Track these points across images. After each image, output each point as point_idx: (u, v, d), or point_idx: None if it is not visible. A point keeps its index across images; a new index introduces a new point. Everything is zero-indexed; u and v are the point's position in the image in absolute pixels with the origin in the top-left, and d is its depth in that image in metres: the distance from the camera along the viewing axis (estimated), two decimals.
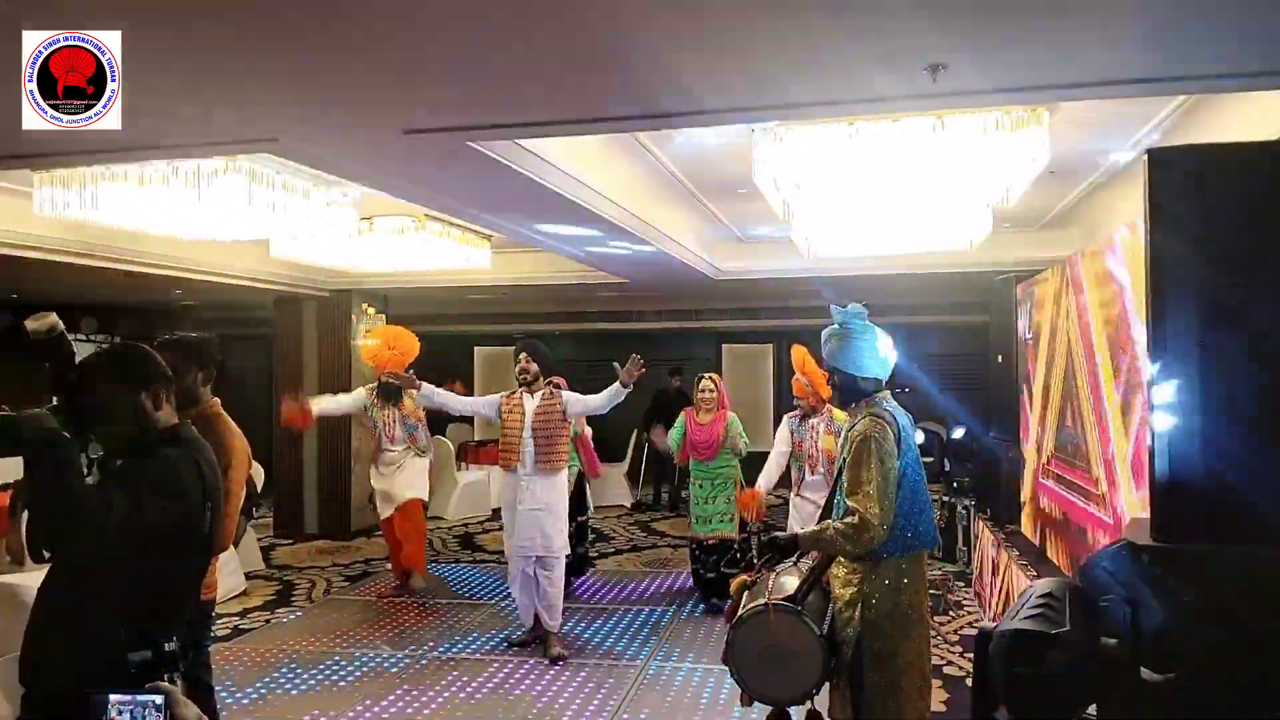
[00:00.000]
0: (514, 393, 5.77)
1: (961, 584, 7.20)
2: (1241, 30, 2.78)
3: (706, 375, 6.89)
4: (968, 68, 2.95)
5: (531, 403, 5.69)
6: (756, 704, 3.19)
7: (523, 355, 5.76)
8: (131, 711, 1.47)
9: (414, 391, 5.95)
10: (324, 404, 6.84)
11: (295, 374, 9.91)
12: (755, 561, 3.83)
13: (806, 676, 2.98)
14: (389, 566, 8.13)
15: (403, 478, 7.25)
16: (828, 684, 3.12)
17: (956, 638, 6.00)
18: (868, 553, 3.00)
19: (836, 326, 3.26)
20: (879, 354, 3.21)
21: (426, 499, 7.54)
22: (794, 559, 3.41)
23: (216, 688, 3.67)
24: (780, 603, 3.01)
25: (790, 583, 3.19)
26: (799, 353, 6.18)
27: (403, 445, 7.25)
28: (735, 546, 6.66)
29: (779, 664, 2.99)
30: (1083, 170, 5.78)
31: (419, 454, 7.35)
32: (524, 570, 5.69)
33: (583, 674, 5.43)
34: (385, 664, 5.63)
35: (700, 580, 6.91)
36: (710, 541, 6.66)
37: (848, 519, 2.97)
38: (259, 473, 9.25)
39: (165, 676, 1.90)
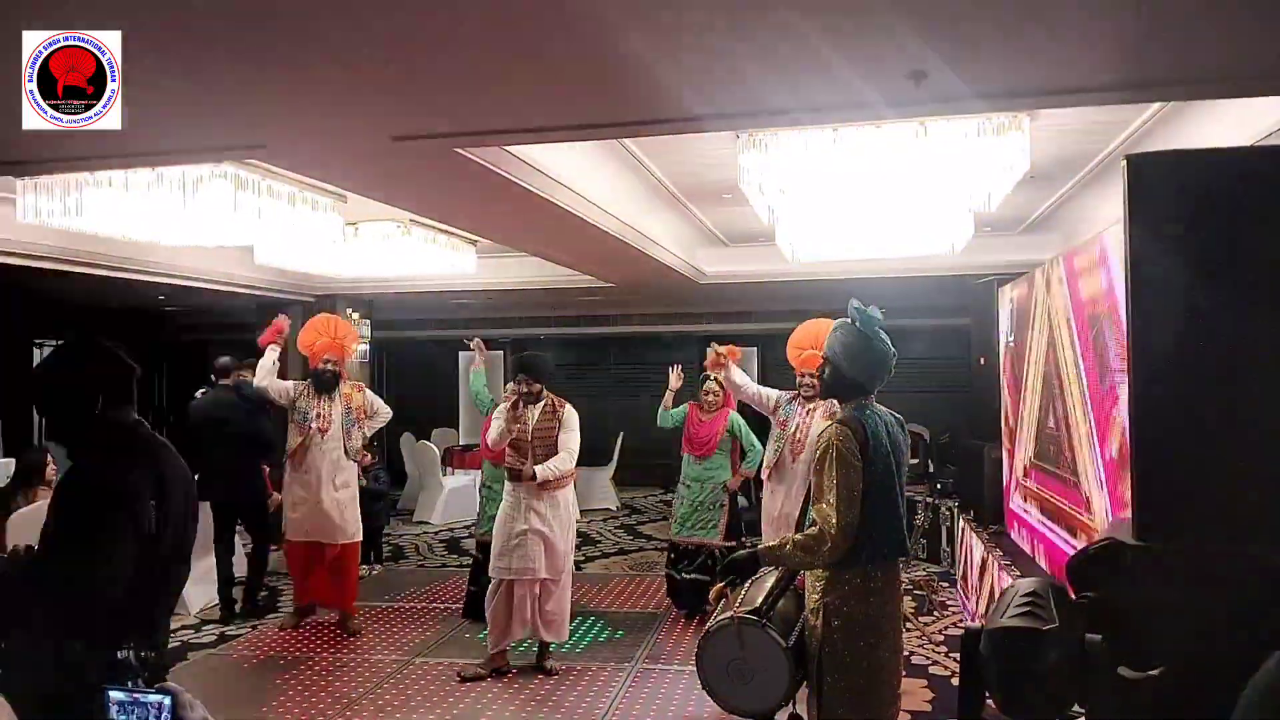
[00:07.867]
0: (516, 402, 5.32)
1: (945, 584, 7.25)
2: (1219, 37, 2.84)
3: (711, 376, 6.58)
4: (949, 75, 2.99)
5: (532, 416, 5.32)
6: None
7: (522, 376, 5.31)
8: (135, 712, 1.47)
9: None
10: (272, 365, 6.39)
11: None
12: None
13: (773, 689, 2.96)
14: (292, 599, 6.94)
15: (337, 506, 6.26)
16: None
17: (941, 638, 6.05)
18: (831, 563, 2.94)
19: (854, 323, 3.10)
20: (884, 364, 3.09)
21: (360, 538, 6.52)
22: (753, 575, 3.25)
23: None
24: (745, 615, 2.99)
25: (761, 593, 3.18)
26: (821, 325, 5.29)
27: (334, 444, 6.29)
28: (717, 554, 6.28)
29: (746, 676, 2.97)
30: (1062, 175, 5.85)
31: (348, 457, 6.37)
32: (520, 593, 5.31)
33: (569, 679, 5.44)
34: (372, 670, 5.62)
35: (674, 584, 6.67)
36: (690, 546, 6.49)
37: (809, 531, 2.93)
38: None
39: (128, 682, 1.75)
